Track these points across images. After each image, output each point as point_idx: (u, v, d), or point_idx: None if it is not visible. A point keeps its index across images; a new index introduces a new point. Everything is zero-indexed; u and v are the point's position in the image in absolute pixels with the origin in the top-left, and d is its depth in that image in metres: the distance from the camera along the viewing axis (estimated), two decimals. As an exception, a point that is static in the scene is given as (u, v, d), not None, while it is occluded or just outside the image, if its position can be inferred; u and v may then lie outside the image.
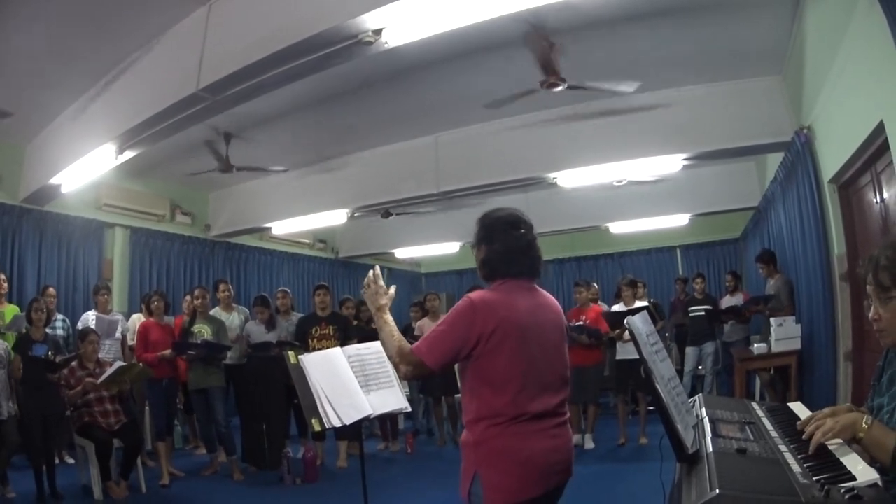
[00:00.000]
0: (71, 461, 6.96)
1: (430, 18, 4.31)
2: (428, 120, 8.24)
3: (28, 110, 7.40)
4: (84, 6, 5.38)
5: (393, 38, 4.49)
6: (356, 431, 4.73)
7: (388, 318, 2.58)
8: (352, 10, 4.30)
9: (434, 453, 8.03)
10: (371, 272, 2.68)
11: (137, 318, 7.84)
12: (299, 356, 3.58)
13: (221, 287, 7.72)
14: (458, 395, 7.27)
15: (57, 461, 6.19)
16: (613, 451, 7.33)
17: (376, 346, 3.68)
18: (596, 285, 8.44)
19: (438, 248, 12.78)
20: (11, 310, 6.82)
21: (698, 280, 9.17)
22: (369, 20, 4.31)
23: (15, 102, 7.00)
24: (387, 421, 7.95)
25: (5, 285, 7.27)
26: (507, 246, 2.47)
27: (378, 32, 4.42)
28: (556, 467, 2.37)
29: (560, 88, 6.03)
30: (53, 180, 7.72)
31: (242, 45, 5.01)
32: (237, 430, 7.27)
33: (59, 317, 7.56)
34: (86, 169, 7.24)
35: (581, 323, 7.36)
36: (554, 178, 8.28)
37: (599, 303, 8.23)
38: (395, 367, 2.48)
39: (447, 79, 6.83)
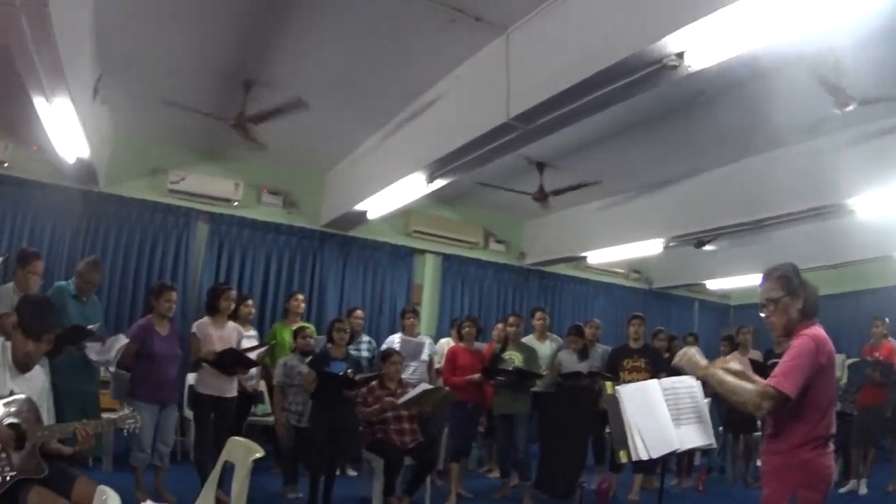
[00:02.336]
0: (353, 474, 7.84)
1: (730, 38, 4.38)
2: (736, 146, 8.21)
3: (328, 140, 8.49)
4: (381, 40, 6.21)
5: (695, 60, 4.62)
6: (656, 465, 5.01)
7: (719, 370, 3.05)
8: (650, 35, 4.49)
9: (723, 492, 8.26)
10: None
11: (447, 343, 8.67)
12: (616, 387, 3.93)
13: (538, 315, 8.23)
14: (757, 434, 7.67)
15: (338, 473, 6.90)
16: (884, 498, 7.42)
17: (689, 380, 3.98)
18: (887, 319, 8.14)
19: (749, 279, 12.50)
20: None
21: None
22: (671, 43, 4.47)
23: (316, 133, 8.02)
24: (684, 456, 7.99)
25: (303, 305, 8.38)
26: (812, 290, 3.04)
27: (680, 56, 4.57)
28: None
29: (850, 108, 5.84)
30: (358, 207, 8.76)
31: (547, 73, 5.39)
32: (534, 457, 7.66)
33: (366, 338, 8.50)
34: (394, 197, 8.12)
35: (875, 359, 7.53)
36: (852, 205, 7.83)
37: (889, 339, 8.07)
38: (756, 406, 2.90)
39: (752, 101, 6.71)
